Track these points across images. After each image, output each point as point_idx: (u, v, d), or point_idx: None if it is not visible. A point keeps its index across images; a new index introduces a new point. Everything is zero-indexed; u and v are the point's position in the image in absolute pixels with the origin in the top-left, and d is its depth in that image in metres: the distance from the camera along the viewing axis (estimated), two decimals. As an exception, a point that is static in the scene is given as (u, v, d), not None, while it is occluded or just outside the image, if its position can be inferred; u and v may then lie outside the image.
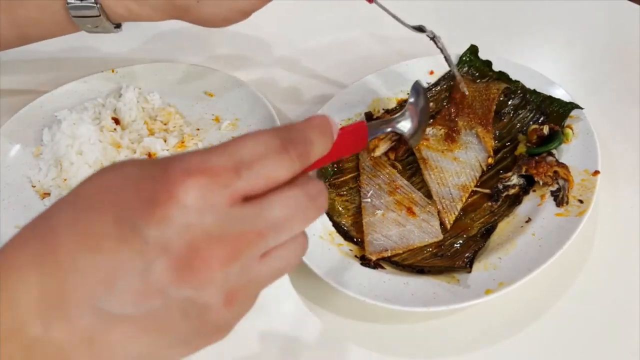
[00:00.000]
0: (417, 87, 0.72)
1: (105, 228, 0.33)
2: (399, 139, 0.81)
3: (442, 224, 0.74)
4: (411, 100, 0.71)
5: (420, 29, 0.80)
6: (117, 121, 0.90)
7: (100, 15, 0.76)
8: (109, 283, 0.33)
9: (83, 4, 0.75)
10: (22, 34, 0.81)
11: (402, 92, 0.90)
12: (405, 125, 0.69)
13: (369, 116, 0.87)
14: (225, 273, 0.34)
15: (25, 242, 0.35)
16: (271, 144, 0.35)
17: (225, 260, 0.34)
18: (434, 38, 0.80)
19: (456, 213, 0.74)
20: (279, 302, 0.71)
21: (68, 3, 0.75)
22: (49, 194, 0.86)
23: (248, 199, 0.35)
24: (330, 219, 0.76)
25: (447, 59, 0.81)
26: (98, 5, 0.75)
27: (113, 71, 1.01)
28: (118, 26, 0.82)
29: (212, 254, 0.33)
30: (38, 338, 0.33)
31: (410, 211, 0.75)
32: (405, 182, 0.78)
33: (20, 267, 0.34)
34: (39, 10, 0.76)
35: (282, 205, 0.36)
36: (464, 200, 0.76)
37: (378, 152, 0.80)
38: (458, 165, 0.79)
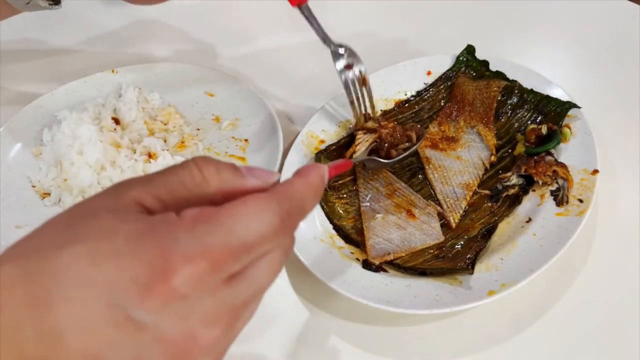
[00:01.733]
0: None
1: (96, 310, 0.31)
2: (380, 140, 0.81)
3: (447, 223, 0.74)
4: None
5: None
6: (117, 121, 0.90)
7: None
8: (97, 359, 0.32)
9: None
10: None
11: (400, 92, 0.90)
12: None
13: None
14: (217, 345, 0.35)
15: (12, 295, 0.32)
16: (271, 223, 0.35)
17: (219, 337, 0.34)
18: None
19: (461, 212, 0.75)
20: (281, 306, 0.72)
21: None
22: (49, 194, 0.86)
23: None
24: (331, 222, 0.76)
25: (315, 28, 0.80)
26: None
27: (113, 71, 1.01)
28: (56, 3, 0.80)
29: (207, 336, 0.34)
30: None
31: (409, 213, 0.75)
32: (403, 184, 0.79)
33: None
34: None
35: (266, 272, 0.36)
36: (468, 198, 0.76)
37: (358, 153, 0.79)
38: (461, 163, 0.79)
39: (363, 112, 0.83)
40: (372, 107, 0.84)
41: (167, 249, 0.32)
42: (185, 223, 0.33)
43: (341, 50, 0.80)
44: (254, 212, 0.34)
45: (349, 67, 0.81)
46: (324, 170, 0.41)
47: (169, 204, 0.35)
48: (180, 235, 0.33)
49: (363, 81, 0.82)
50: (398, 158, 0.78)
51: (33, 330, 0.31)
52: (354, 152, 0.79)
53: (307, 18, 0.78)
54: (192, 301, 0.33)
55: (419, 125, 0.81)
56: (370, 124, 0.81)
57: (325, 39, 0.79)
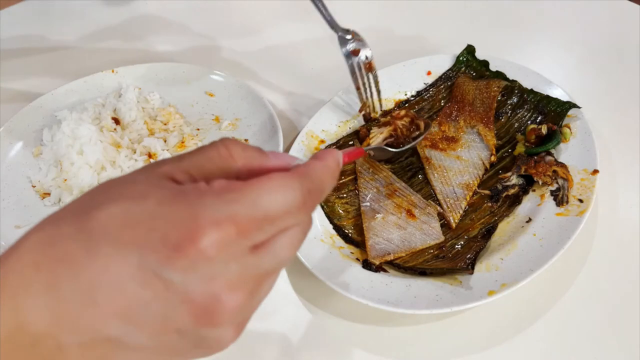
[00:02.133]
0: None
1: (127, 269, 0.33)
2: (395, 133, 0.81)
3: (447, 223, 0.74)
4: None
5: None
6: (117, 121, 0.90)
7: None
8: (127, 319, 0.34)
9: None
10: None
11: (400, 92, 0.90)
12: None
13: (367, 118, 0.88)
14: (240, 312, 0.36)
15: (36, 264, 0.34)
16: (294, 199, 0.37)
17: (242, 303, 0.36)
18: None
19: (461, 212, 0.75)
20: (281, 306, 0.71)
21: None
22: (49, 194, 0.86)
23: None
24: (331, 222, 0.76)
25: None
26: None
27: (113, 71, 1.01)
28: None
29: (231, 300, 0.35)
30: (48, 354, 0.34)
31: (410, 213, 0.75)
32: (403, 184, 0.79)
33: (28, 287, 0.34)
34: None
35: (286, 247, 0.38)
36: (468, 198, 0.76)
37: (372, 146, 0.80)
38: (461, 164, 0.79)
39: (369, 98, 0.84)
40: (378, 91, 0.84)
41: (196, 212, 0.34)
42: (214, 190, 0.35)
43: (348, 36, 0.81)
44: (278, 187, 0.36)
45: (355, 52, 0.81)
46: (339, 156, 0.43)
47: (198, 178, 0.37)
48: (209, 201, 0.34)
49: (369, 66, 0.82)
50: (406, 147, 0.79)
51: (68, 288, 0.33)
52: (368, 145, 0.80)
53: (315, 3, 0.79)
54: (218, 264, 0.34)
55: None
56: (383, 119, 0.82)
57: (333, 24, 0.80)
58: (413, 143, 0.79)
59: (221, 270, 0.34)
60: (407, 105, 0.89)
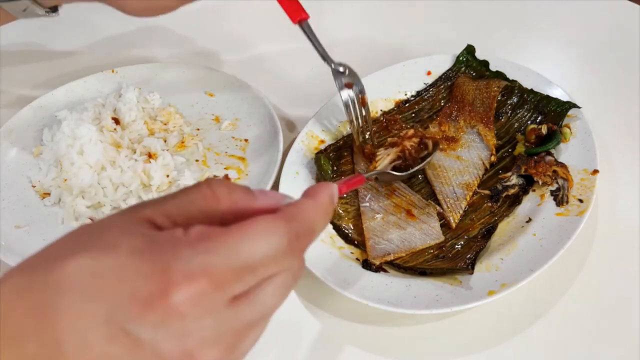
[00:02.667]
0: None
1: (94, 323, 0.31)
2: (402, 154, 0.80)
3: (446, 223, 0.74)
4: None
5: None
6: (117, 121, 0.90)
7: None
8: None
9: None
10: None
11: (400, 92, 0.90)
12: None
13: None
14: None
15: (4, 314, 0.32)
16: (279, 244, 0.34)
17: (219, 359, 0.34)
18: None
19: (461, 212, 0.75)
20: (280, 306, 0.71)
21: None
22: (49, 194, 0.86)
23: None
24: (331, 222, 0.76)
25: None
26: None
27: (113, 71, 1.01)
28: (54, 10, 0.80)
29: (205, 357, 0.33)
30: None
31: (409, 214, 0.75)
32: (402, 184, 0.78)
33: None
34: None
35: (272, 295, 0.36)
36: (468, 198, 0.76)
37: (381, 163, 0.79)
38: (461, 163, 0.79)
39: (361, 128, 0.83)
40: (370, 129, 0.83)
41: (167, 265, 0.32)
42: (189, 240, 0.33)
43: (341, 69, 0.80)
44: (261, 233, 0.34)
45: (349, 85, 0.80)
46: (333, 190, 0.40)
47: (179, 222, 0.35)
48: (182, 252, 0.32)
49: (362, 101, 0.81)
50: (413, 170, 0.78)
51: (35, 342, 0.31)
52: (374, 168, 0.79)
53: (307, 35, 0.78)
54: (192, 320, 0.32)
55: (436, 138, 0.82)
56: (390, 139, 0.81)
57: (325, 56, 0.79)
58: (420, 166, 0.78)
59: (194, 326, 0.32)
60: (407, 105, 0.89)
